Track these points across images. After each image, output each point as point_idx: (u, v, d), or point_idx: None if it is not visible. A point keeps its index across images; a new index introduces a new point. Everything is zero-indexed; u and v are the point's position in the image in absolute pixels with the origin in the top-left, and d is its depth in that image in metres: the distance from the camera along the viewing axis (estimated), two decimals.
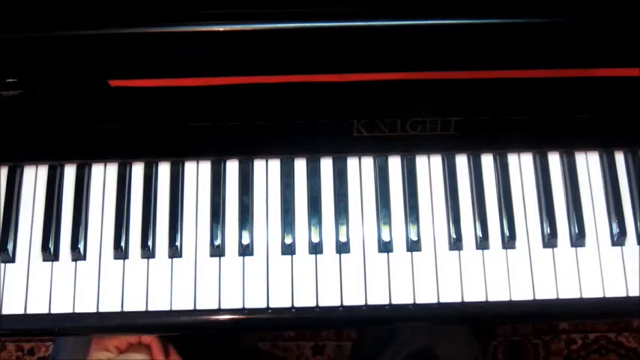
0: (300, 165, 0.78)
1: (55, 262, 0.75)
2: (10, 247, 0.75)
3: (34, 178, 0.77)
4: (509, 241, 0.75)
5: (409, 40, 0.69)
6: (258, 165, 0.78)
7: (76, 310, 0.73)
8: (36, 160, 0.77)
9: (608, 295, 0.74)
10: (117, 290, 0.74)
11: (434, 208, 0.77)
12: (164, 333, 0.83)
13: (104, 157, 0.77)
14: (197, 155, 0.77)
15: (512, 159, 0.79)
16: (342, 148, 0.77)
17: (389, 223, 0.76)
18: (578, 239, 0.76)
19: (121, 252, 0.74)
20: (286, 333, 1.47)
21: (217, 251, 0.74)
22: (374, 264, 0.75)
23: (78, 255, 0.74)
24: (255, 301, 0.74)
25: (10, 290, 0.74)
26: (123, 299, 0.73)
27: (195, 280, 0.74)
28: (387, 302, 0.74)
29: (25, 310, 0.73)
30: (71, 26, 0.67)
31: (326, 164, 0.78)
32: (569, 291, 0.74)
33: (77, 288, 0.74)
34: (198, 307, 0.73)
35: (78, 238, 0.75)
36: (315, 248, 0.75)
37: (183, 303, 0.73)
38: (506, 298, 0.74)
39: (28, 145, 0.76)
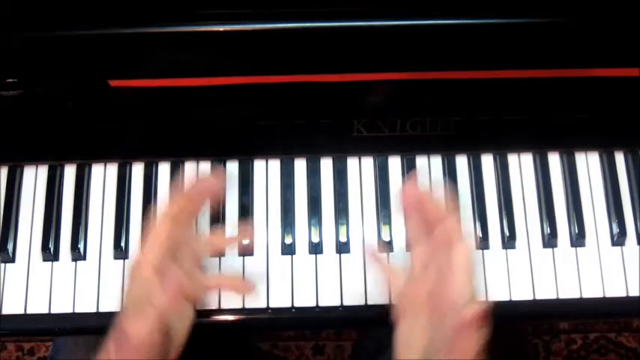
0: (300, 165, 0.78)
1: (55, 262, 0.75)
2: (10, 247, 0.75)
3: (34, 178, 0.77)
4: (509, 241, 0.75)
5: (409, 40, 0.69)
6: (258, 165, 0.78)
7: (76, 310, 0.73)
8: (36, 160, 0.77)
9: (608, 295, 0.74)
10: (117, 290, 0.74)
11: None
12: None
13: (104, 157, 0.77)
14: (197, 155, 0.77)
15: (512, 159, 0.79)
16: (342, 148, 0.77)
17: (389, 223, 0.76)
18: (578, 239, 0.76)
19: (121, 252, 0.74)
20: (286, 333, 1.47)
21: None
22: (374, 264, 0.75)
23: (78, 255, 0.74)
24: (255, 301, 0.74)
25: (10, 290, 0.74)
26: (123, 299, 0.73)
27: None
28: (387, 302, 0.73)
29: (25, 310, 0.73)
30: (71, 26, 0.67)
31: (326, 164, 0.78)
32: (569, 291, 0.74)
33: (77, 288, 0.74)
34: (198, 307, 0.73)
35: (78, 238, 0.75)
36: (315, 248, 0.75)
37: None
38: (506, 298, 0.74)
39: (28, 145, 0.76)
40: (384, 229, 0.75)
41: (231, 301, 0.73)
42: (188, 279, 0.63)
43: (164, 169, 0.77)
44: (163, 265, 0.61)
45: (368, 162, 0.78)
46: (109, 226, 0.76)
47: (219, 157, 0.77)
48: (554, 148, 0.78)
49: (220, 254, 0.73)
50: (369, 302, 0.73)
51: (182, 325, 0.65)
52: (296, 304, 0.73)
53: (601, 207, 0.77)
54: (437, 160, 0.78)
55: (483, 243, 0.75)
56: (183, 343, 0.65)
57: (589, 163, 0.79)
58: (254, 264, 0.75)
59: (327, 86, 0.73)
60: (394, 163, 0.78)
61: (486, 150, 0.78)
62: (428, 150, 0.78)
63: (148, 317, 0.57)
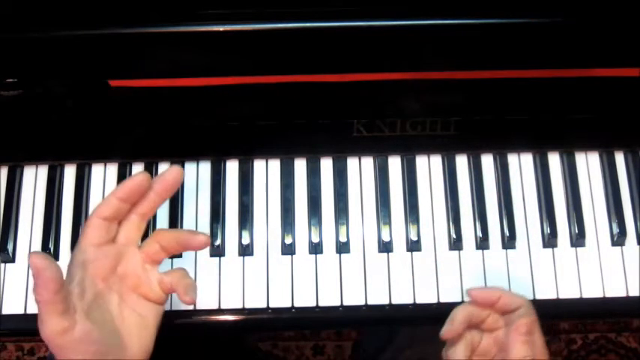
0: (300, 165, 0.78)
1: None
2: (10, 247, 0.75)
3: (34, 178, 0.77)
4: (509, 241, 0.75)
5: (409, 40, 0.69)
6: (258, 165, 0.78)
7: None
8: (36, 160, 0.77)
9: (608, 295, 0.74)
10: None
11: (434, 208, 0.77)
12: (164, 334, 0.83)
13: (104, 157, 0.77)
14: (197, 155, 0.77)
15: (512, 159, 0.79)
16: (342, 148, 0.77)
17: (389, 223, 0.76)
18: (578, 239, 0.76)
19: None
20: (286, 333, 1.47)
21: (217, 251, 0.74)
22: (374, 264, 0.75)
23: None
24: (255, 301, 0.74)
25: (10, 290, 0.74)
26: None
27: (195, 280, 0.74)
28: (387, 302, 0.74)
29: (25, 310, 0.73)
30: (71, 26, 0.67)
31: (326, 164, 0.78)
32: (569, 291, 0.74)
33: None
34: (198, 307, 0.73)
35: (78, 238, 0.75)
36: (315, 248, 0.75)
37: (182, 303, 0.73)
38: None
39: (28, 145, 0.76)
40: (384, 229, 0.75)
41: (231, 301, 0.73)
42: (140, 277, 0.62)
43: (164, 169, 0.77)
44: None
45: (368, 162, 0.78)
46: None
47: (219, 157, 0.77)
48: (554, 148, 0.78)
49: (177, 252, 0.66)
50: (369, 302, 0.74)
51: (142, 324, 0.62)
52: (296, 304, 0.73)
53: (601, 207, 0.77)
54: (437, 160, 0.78)
55: (483, 243, 0.75)
56: (147, 345, 0.62)
57: (589, 163, 0.79)
58: (254, 264, 0.75)
59: (327, 86, 0.73)
60: (394, 163, 0.78)
61: (486, 150, 0.78)
62: (428, 150, 0.78)
63: (61, 311, 0.54)
